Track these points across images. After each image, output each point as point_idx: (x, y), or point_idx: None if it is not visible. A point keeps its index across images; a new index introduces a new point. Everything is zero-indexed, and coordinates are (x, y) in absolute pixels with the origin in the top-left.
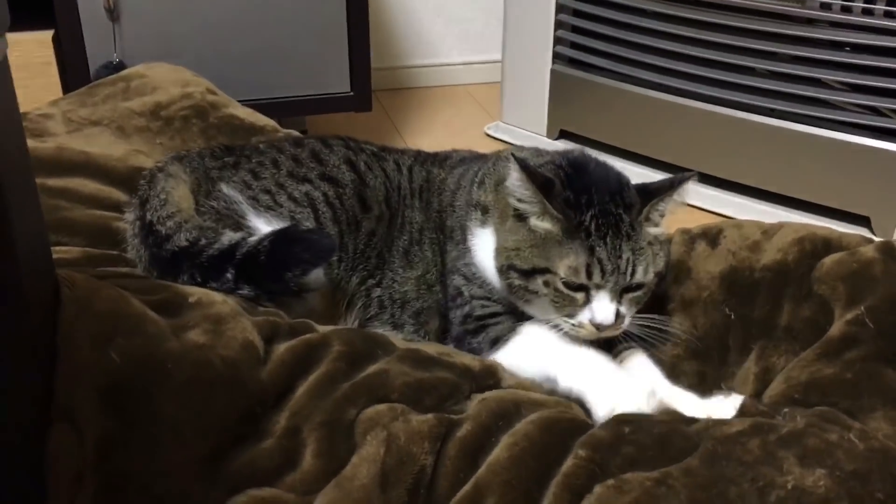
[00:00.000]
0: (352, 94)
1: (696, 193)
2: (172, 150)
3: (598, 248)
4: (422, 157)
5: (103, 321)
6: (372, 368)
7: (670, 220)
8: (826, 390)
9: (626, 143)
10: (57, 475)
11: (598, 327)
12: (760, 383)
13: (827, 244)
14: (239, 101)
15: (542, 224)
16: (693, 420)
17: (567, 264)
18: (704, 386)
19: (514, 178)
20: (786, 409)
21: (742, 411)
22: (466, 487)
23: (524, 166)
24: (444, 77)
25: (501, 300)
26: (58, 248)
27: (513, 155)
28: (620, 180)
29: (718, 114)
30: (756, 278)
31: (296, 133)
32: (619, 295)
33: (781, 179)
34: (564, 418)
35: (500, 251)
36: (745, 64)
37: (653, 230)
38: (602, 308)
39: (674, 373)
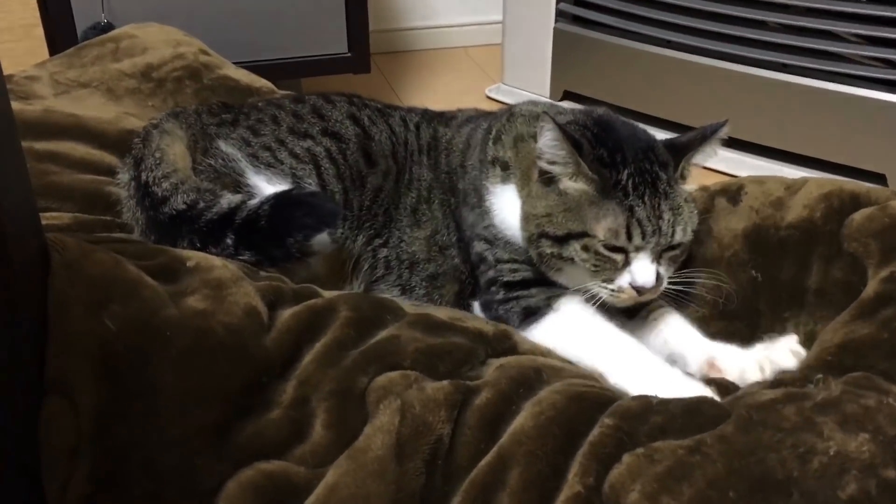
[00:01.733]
0: (349, 55)
1: None
2: None
3: (637, 209)
4: (429, 115)
5: (96, 287)
6: (382, 334)
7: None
8: (861, 351)
9: (633, 103)
10: (51, 450)
11: (640, 291)
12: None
13: (855, 199)
14: (233, 63)
15: (574, 185)
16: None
17: (606, 226)
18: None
19: (549, 139)
20: (818, 376)
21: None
22: (488, 458)
23: (558, 126)
24: (443, 39)
25: (529, 260)
26: (47, 213)
27: (546, 114)
28: (648, 138)
29: (729, 70)
30: (782, 237)
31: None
32: (658, 256)
33: (794, 137)
34: (592, 391)
35: (528, 219)
36: (756, 17)
37: (686, 187)
38: (643, 270)
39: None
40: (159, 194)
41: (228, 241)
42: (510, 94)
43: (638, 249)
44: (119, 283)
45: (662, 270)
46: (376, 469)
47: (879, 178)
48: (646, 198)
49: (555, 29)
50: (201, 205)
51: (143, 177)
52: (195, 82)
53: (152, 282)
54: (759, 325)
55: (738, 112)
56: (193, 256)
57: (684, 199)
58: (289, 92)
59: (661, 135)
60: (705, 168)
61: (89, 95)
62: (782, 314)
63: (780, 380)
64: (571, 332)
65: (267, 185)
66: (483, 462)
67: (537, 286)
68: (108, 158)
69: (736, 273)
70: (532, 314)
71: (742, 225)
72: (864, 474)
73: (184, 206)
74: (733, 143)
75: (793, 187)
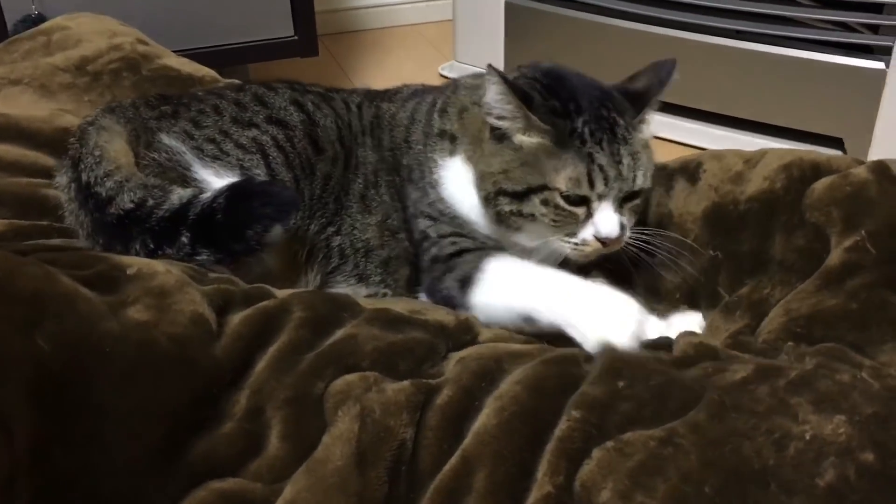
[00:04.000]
0: (296, 38)
1: (664, 125)
2: None
3: (596, 155)
4: (371, 94)
5: (27, 304)
6: (338, 334)
7: None
8: (831, 323)
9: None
10: None
11: (604, 242)
12: (754, 317)
13: (816, 168)
14: (173, 52)
15: (528, 139)
16: (685, 363)
17: (567, 175)
18: None
19: (494, 92)
20: (789, 343)
21: (737, 345)
22: (452, 461)
23: (504, 78)
24: (392, 17)
25: (472, 234)
26: None
27: (490, 66)
28: (602, 86)
29: (683, 39)
30: (742, 211)
31: (238, 82)
32: (620, 204)
33: (751, 105)
34: (552, 374)
35: (484, 177)
36: None
37: (643, 134)
38: (606, 220)
39: None
40: (103, 194)
41: (184, 239)
42: (464, 72)
43: (601, 198)
44: (52, 299)
45: (625, 220)
46: (337, 481)
47: (837, 142)
48: (604, 144)
49: (506, 3)
50: (150, 202)
51: (84, 177)
52: (133, 74)
53: (89, 294)
54: (717, 303)
55: (695, 81)
56: (135, 263)
57: (642, 146)
58: (232, 80)
59: None
60: (665, 140)
61: (21, 93)
62: (743, 280)
63: (750, 348)
64: (502, 283)
65: (215, 179)
66: (447, 466)
67: (473, 253)
68: (44, 159)
69: (698, 256)
70: (467, 281)
71: (702, 206)
72: (842, 459)
73: (131, 205)
74: (691, 113)
75: (752, 160)
